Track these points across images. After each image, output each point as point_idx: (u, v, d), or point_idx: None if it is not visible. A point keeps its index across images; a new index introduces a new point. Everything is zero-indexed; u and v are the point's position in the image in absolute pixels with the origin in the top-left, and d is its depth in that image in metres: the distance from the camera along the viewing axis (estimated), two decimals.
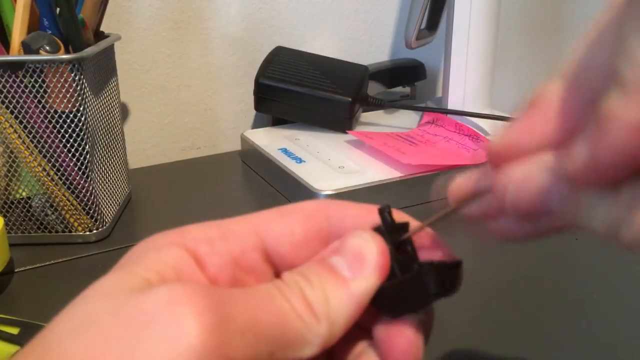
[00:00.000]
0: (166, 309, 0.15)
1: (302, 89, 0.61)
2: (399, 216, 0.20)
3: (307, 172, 0.52)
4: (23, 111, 0.43)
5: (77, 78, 0.43)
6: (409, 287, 0.18)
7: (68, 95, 0.43)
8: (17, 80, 0.42)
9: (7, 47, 0.44)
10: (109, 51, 0.51)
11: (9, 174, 0.45)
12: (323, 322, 0.17)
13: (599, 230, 0.15)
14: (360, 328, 0.20)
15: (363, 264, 0.18)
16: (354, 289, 0.18)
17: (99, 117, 0.47)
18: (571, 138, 0.15)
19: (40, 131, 0.43)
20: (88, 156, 0.45)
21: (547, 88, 0.17)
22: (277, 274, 0.20)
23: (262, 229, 0.20)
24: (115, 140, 0.52)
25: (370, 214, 0.20)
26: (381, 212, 0.19)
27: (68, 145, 0.44)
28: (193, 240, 0.18)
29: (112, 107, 0.51)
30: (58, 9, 0.43)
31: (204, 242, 0.18)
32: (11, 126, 0.43)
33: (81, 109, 0.44)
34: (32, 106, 0.43)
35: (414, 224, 0.20)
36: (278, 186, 0.56)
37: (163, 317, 0.15)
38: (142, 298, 0.15)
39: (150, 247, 0.18)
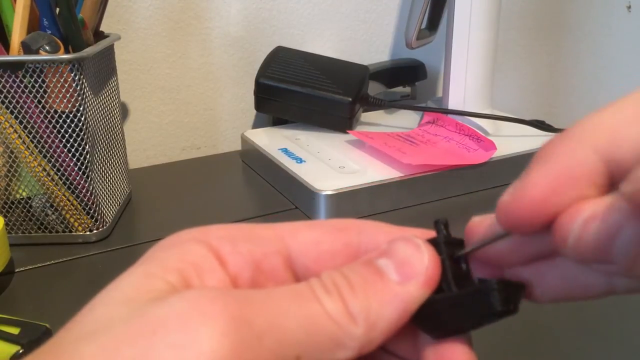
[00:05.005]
0: (178, 315, 0.15)
1: (302, 89, 0.61)
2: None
3: (307, 172, 0.52)
4: (23, 111, 0.43)
5: (77, 78, 0.43)
6: (467, 303, 0.17)
7: (68, 95, 0.43)
8: (17, 80, 0.42)
9: (7, 47, 0.44)
10: (109, 51, 0.51)
11: (9, 174, 0.45)
12: (360, 323, 0.16)
13: None
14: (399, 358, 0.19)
15: (412, 269, 0.17)
16: (400, 292, 0.17)
17: (99, 117, 0.47)
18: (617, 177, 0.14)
19: (40, 131, 0.43)
20: (88, 156, 0.45)
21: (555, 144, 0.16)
22: None
23: (287, 236, 0.19)
24: (115, 140, 0.52)
25: (403, 234, 0.19)
26: (437, 224, 0.18)
27: (68, 145, 0.44)
28: (216, 237, 0.18)
29: (112, 107, 0.50)
30: (58, 9, 0.43)
31: (227, 241, 0.18)
32: (11, 126, 0.43)
33: (81, 109, 0.44)
34: (32, 106, 0.43)
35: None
36: (278, 186, 0.56)
37: (174, 323, 0.15)
38: (157, 305, 0.15)
39: (173, 242, 0.18)
